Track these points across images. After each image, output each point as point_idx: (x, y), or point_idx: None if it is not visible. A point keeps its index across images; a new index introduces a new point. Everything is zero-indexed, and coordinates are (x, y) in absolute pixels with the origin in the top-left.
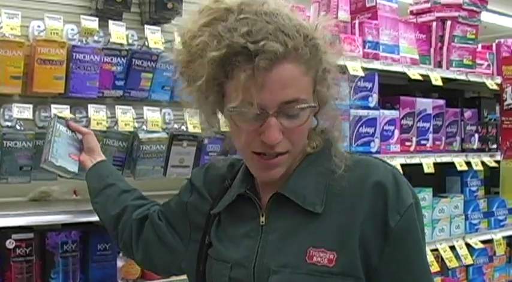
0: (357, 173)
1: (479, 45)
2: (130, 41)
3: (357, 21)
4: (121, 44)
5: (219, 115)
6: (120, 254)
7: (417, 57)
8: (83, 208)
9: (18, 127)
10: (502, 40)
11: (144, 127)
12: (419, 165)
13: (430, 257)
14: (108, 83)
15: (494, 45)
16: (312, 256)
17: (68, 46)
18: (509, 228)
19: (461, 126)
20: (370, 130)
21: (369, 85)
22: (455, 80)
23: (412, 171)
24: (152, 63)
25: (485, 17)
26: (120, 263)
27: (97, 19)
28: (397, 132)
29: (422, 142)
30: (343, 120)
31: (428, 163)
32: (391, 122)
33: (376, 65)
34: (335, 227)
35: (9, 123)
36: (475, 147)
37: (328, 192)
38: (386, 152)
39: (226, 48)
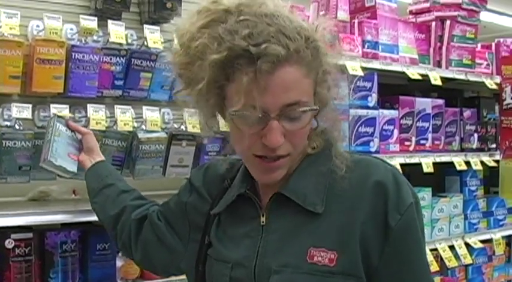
0: (357, 173)
1: (479, 45)
2: (129, 41)
3: (356, 21)
4: (120, 44)
5: (219, 117)
6: (119, 254)
7: (416, 56)
8: (82, 208)
9: (17, 127)
10: (502, 40)
11: (143, 127)
12: (419, 165)
13: (429, 257)
14: (107, 83)
15: (493, 44)
16: (313, 256)
17: (67, 46)
18: (509, 228)
19: (461, 126)
20: (370, 130)
21: (368, 85)
22: (455, 79)
23: (412, 171)
24: (151, 62)
25: (484, 16)
26: (119, 263)
27: (96, 19)
28: (396, 131)
29: (422, 142)
30: (343, 120)
31: (427, 163)
32: (391, 121)
33: (376, 64)
34: (335, 227)
35: (8, 123)
36: (474, 146)
37: (329, 192)
38: (385, 151)
39: (227, 50)
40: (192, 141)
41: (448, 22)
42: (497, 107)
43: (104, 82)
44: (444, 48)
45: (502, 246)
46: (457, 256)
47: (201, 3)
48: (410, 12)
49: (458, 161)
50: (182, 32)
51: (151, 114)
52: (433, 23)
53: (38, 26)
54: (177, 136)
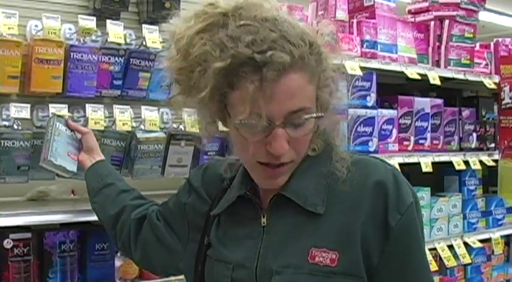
0: (357, 173)
1: (477, 45)
2: (128, 41)
3: (354, 21)
4: (119, 44)
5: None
6: (118, 254)
7: (415, 56)
8: (81, 208)
9: (15, 127)
10: (500, 39)
11: (142, 126)
12: (418, 165)
13: (428, 257)
14: (105, 83)
15: (492, 44)
16: (314, 256)
17: (65, 46)
18: (507, 227)
19: (460, 126)
20: (368, 129)
21: (367, 84)
22: (453, 79)
23: (410, 171)
24: (150, 62)
25: (483, 16)
26: (118, 263)
27: (95, 18)
28: (395, 131)
29: (421, 141)
30: (342, 120)
31: (426, 162)
32: (389, 121)
33: (374, 64)
34: (336, 227)
35: (6, 123)
36: (473, 146)
37: (329, 192)
38: (384, 151)
39: (231, 58)
40: (191, 141)
41: (446, 22)
42: (496, 107)
43: (102, 82)
44: (443, 47)
45: (501, 245)
46: (456, 256)
47: (199, 3)
48: (409, 12)
49: (457, 161)
50: (179, 37)
51: (150, 114)
52: (432, 23)
53: (36, 25)
54: (175, 136)
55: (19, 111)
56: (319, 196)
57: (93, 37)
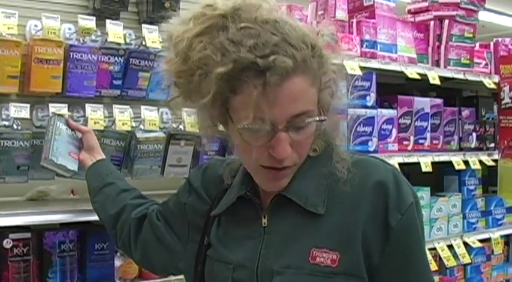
0: (358, 173)
1: (477, 44)
2: (127, 40)
3: (354, 20)
4: (118, 43)
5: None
6: (118, 254)
7: (415, 56)
8: (81, 207)
9: (15, 126)
10: (500, 39)
11: (141, 126)
12: (417, 164)
13: (427, 256)
14: (105, 83)
15: (492, 44)
16: (315, 257)
17: (65, 45)
18: (507, 227)
19: (459, 125)
20: (368, 129)
21: (366, 84)
22: (453, 79)
23: (410, 170)
24: (150, 62)
25: (483, 16)
26: (117, 263)
27: (94, 18)
28: (394, 131)
29: (420, 141)
30: (342, 119)
31: (426, 162)
32: (389, 121)
33: (374, 64)
34: (337, 228)
35: (6, 123)
36: (472, 146)
37: (330, 193)
38: (384, 151)
39: (233, 63)
40: (191, 141)
41: (446, 21)
42: (495, 107)
43: (102, 82)
44: (443, 47)
45: (501, 245)
46: (455, 255)
47: (198, 3)
48: (409, 12)
49: (457, 161)
50: (177, 39)
51: (150, 114)
52: (432, 23)
53: (36, 25)
54: (175, 136)
55: (19, 111)
56: (319, 196)
57: (93, 37)
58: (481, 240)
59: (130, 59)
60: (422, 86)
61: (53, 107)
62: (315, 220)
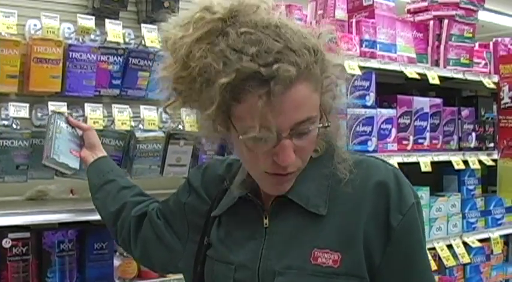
0: (359, 174)
1: (477, 44)
2: (127, 40)
3: (354, 20)
4: (117, 43)
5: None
6: (117, 253)
7: (414, 55)
8: (80, 207)
9: (14, 126)
10: (499, 39)
11: (140, 126)
12: (417, 164)
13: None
14: (104, 82)
15: (491, 43)
16: (317, 257)
17: (64, 45)
18: (507, 227)
19: (459, 125)
20: (368, 129)
21: (366, 84)
22: (453, 78)
23: (409, 170)
24: (149, 62)
25: (482, 15)
26: (116, 262)
27: (93, 18)
28: (394, 131)
29: (420, 141)
30: (341, 119)
31: (425, 162)
32: (388, 120)
33: (373, 63)
34: (339, 228)
35: (5, 122)
36: (472, 145)
37: (331, 194)
38: (383, 150)
39: (235, 72)
40: (190, 141)
41: (446, 21)
42: (495, 106)
43: (101, 81)
44: (442, 47)
45: (500, 245)
46: (455, 255)
47: (197, 3)
48: (408, 11)
49: (456, 160)
50: (176, 46)
51: (149, 114)
52: (431, 22)
53: (35, 25)
54: (174, 135)
55: (18, 110)
56: (321, 197)
57: (92, 36)
58: (480, 240)
59: (130, 59)
60: (421, 86)
61: (52, 105)
62: (317, 221)
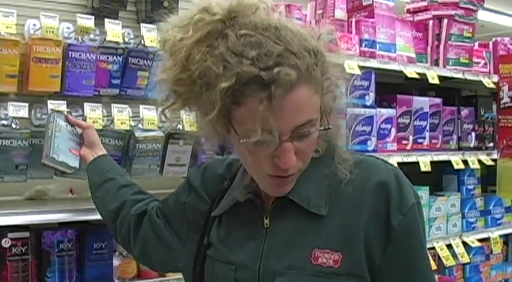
0: (359, 174)
1: (476, 44)
2: (126, 40)
3: (353, 20)
4: (117, 43)
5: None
6: (117, 253)
7: (414, 55)
8: (79, 207)
9: (14, 126)
10: (499, 38)
11: (140, 125)
12: (416, 164)
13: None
14: (104, 82)
15: (491, 43)
16: (317, 257)
17: (63, 44)
18: (506, 227)
19: (458, 125)
20: (367, 128)
21: (365, 83)
22: (452, 78)
23: (409, 170)
24: (148, 61)
25: (482, 15)
26: (116, 262)
27: (93, 17)
28: (393, 130)
29: (419, 140)
30: (341, 119)
31: (425, 161)
32: (388, 120)
33: (373, 63)
34: (339, 229)
35: (5, 122)
36: (471, 145)
37: (332, 194)
38: (383, 150)
39: (235, 76)
40: (189, 140)
41: (445, 21)
42: (494, 106)
43: (100, 81)
44: (442, 47)
45: (500, 245)
46: (454, 255)
47: (196, 4)
48: (408, 11)
49: (456, 160)
50: (175, 48)
51: (148, 113)
52: (431, 22)
53: (34, 24)
54: (174, 135)
55: (17, 110)
56: (321, 198)
57: (92, 36)
58: (480, 240)
59: (129, 58)
60: (421, 86)
61: (52, 105)
62: (317, 221)
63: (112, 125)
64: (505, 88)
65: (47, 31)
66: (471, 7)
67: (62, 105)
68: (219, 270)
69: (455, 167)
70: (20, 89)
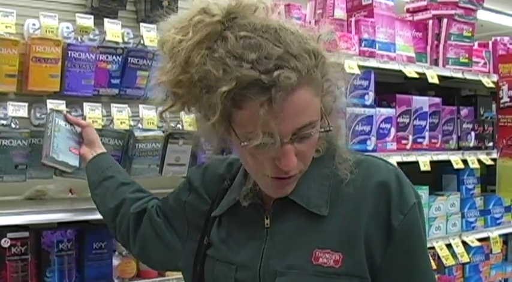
0: (360, 174)
1: (476, 43)
2: (125, 39)
3: (353, 19)
4: (116, 42)
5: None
6: (116, 253)
7: (413, 55)
8: (79, 207)
9: (13, 125)
10: (499, 38)
11: (139, 125)
12: (416, 163)
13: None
14: (103, 81)
15: (490, 43)
16: (318, 257)
17: (63, 44)
18: (506, 226)
19: (458, 124)
20: (367, 128)
21: (365, 83)
22: (452, 78)
23: (409, 169)
24: (148, 61)
25: (481, 15)
26: (115, 262)
27: (92, 17)
28: (393, 130)
29: (419, 140)
30: (341, 118)
31: (424, 161)
32: (388, 120)
33: (373, 63)
34: (340, 229)
35: (4, 122)
36: (471, 145)
37: (332, 194)
38: (382, 150)
39: (235, 80)
40: (189, 140)
41: (445, 20)
42: (494, 106)
43: (100, 81)
44: (441, 46)
45: (499, 244)
46: (454, 254)
47: (195, 4)
48: (407, 11)
49: (456, 160)
50: (175, 50)
51: (148, 113)
52: (430, 21)
53: (34, 24)
54: (173, 134)
55: (17, 110)
56: (322, 198)
57: (91, 36)
58: (479, 239)
59: (129, 58)
60: (420, 85)
61: (51, 104)
62: (318, 221)
63: (111, 125)
64: (505, 88)
65: (46, 31)
66: (471, 7)
67: (61, 105)
68: (220, 270)
69: (455, 166)
70: (20, 89)
